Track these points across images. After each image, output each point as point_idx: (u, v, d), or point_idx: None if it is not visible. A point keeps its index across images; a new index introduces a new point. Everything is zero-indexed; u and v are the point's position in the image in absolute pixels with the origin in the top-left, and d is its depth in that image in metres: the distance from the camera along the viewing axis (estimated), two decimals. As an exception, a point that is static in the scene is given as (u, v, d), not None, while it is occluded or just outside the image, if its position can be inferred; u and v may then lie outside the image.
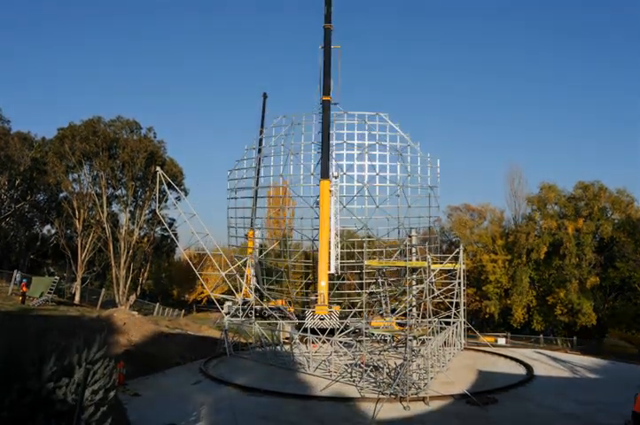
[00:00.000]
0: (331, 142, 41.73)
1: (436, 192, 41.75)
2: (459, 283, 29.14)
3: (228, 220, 45.63)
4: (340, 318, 36.25)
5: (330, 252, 38.83)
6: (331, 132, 41.67)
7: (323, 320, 34.25)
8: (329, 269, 38.21)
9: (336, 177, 40.18)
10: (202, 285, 47.26)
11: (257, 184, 49.03)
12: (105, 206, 46.68)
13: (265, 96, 61.83)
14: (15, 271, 39.90)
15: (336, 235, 39.57)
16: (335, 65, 41.40)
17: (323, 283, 38.22)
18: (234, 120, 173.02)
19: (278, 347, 26.18)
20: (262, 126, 59.38)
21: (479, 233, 55.98)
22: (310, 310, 36.26)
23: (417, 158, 42.13)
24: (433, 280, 27.27)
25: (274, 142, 44.47)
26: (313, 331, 27.78)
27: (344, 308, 45.37)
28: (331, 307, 37.10)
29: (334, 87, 41.42)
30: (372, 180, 42.21)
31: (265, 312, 53.42)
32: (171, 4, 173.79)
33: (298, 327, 33.08)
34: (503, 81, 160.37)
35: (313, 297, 40.01)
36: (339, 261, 39.21)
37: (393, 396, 17.74)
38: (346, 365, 22.74)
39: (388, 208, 42.02)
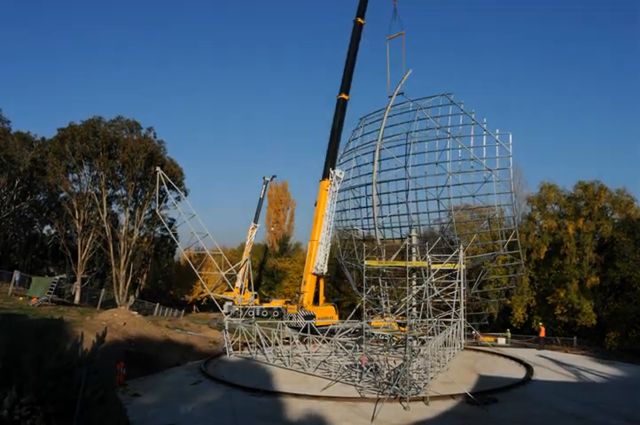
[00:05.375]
0: (397, 134, 38.46)
1: (507, 175, 36.09)
2: (459, 283, 29.14)
3: (336, 223, 43.01)
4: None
5: (317, 252, 38.79)
6: (398, 124, 38.73)
7: (291, 318, 35.07)
8: (314, 269, 38.40)
9: (332, 176, 39.96)
10: (202, 285, 47.24)
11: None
12: (104, 206, 46.64)
13: (266, 180, 60.79)
14: (15, 271, 39.89)
15: (327, 234, 39.40)
16: (398, 53, 38.80)
17: (306, 283, 38.79)
18: (234, 120, 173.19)
19: (278, 347, 26.18)
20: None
21: (479, 233, 55.86)
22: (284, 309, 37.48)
23: (483, 139, 36.55)
24: (433, 280, 27.24)
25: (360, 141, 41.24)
26: (313, 331, 27.79)
27: (344, 308, 45.36)
28: (302, 307, 38.07)
29: (389, 76, 38.54)
30: (432, 170, 37.95)
31: (265, 313, 53.62)
32: (170, 4, 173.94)
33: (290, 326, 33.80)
34: (502, 81, 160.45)
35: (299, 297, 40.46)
36: (325, 261, 38.95)
37: (393, 396, 17.73)
38: (346, 365, 22.74)
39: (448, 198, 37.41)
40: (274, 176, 63.87)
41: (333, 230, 42.82)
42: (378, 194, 36.94)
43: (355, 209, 40.80)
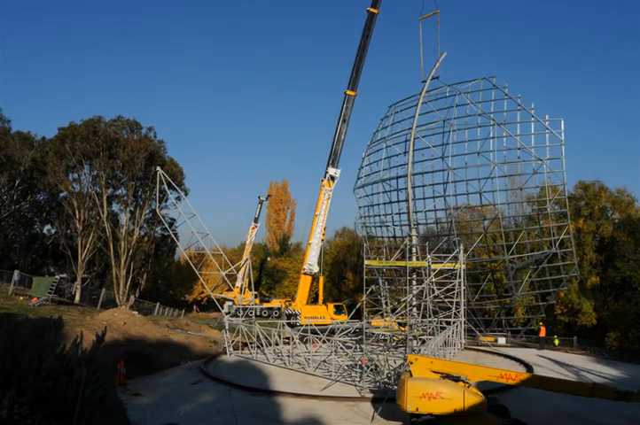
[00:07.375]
0: (432, 122, 35.98)
1: (558, 165, 33.10)
2: (459, 283, 29.14)
3: (363, 219, 40.92)
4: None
5: (309, 252, 38.60)
6: (433, 111, 36.11)
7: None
8: (304, 269, 38.43)
9: (326, 174, 39.64)
10: (202, 285, 47.28)
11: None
12: (105, 206, 46.62)
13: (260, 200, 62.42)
14: (15, 271, 39.88)
15: (320, 233, 39.10)
16: (431, 35, 35.70)
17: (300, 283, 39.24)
18: (235, 120, 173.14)
19: (278, 347, 26.19)
20: None
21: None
22: None
23: (531, 126, 33.37)
24: (433, 279, 27.22)
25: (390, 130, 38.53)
26: (313, 331, 27.81)
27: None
28: (288, 306, 39.87)
29: (424, 59, 35.99)
30: (473, 160, 35.19)
31: (265, 312, 53.72)
32: (170, 4, 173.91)
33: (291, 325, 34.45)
34: (502, 81, 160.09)
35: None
36: (315, 260, 38.51)
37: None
38: (346, 365, 22.73)
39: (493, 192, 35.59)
40: (269, 196, 67.55)
41: (361, 228, 41.64)
42: (412, 187, 34.33)
43: (385, 204, 38.66)
